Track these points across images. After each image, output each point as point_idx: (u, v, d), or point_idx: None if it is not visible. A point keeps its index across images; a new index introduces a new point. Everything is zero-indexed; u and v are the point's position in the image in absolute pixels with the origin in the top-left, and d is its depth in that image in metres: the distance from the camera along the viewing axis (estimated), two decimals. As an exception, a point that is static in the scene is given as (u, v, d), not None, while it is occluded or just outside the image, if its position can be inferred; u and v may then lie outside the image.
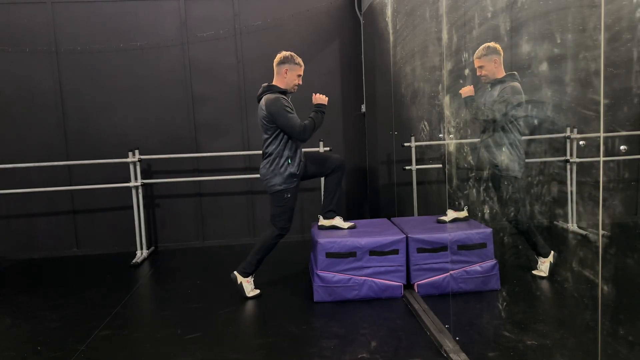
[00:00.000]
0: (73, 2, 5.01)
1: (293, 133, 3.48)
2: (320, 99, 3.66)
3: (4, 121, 5.05)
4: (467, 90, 3.46)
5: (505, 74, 3.36)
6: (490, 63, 3.35)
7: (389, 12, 4.51)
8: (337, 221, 3.79)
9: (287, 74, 3.58)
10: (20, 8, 4.96)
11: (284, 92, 3.59)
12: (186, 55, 5.16)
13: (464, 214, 3.80)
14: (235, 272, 3.66)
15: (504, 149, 3.37)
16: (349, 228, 3.78)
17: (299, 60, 3.61)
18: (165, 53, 5.14)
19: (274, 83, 3.61)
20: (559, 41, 2.66)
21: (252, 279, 3.69)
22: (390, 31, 4.50)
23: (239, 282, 3.64)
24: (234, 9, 5.16)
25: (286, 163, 3.55)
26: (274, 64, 3.60)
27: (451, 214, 3.80)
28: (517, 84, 3.27)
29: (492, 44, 3.33)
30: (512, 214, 3.46)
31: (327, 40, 5.30)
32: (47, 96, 5.07)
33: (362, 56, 5.28)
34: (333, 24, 5.30)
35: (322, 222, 3.80)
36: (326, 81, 5.32)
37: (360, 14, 5.25)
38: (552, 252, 3.45)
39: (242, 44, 5.19)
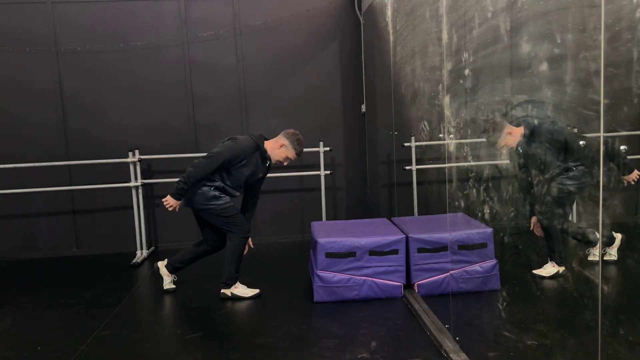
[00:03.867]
0: (73, 2, 5.01)
1: (208, 154, 3.46)
2: (174, 202, 3.51)
3: (4, 121, 5.05)
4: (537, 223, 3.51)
5: (521, 129, 3.32)
6: (508, 137, 3.33)
7: (389, 12, 4.50)
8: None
9: (280, 149, 3.56)
10: (20, 8, 4.96)
11: (263, 153, 3.54)
12: (186, 56, 5.15)
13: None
14: (221, 291, 3.65)
15: (569, 173, 3.33)
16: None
17: (300, 149, 3.58)
18: (165, 53, 5.14)
19: (267, 141, 3.59)
20: (559, 41, 2.66)
21: (238, 282, 3.68)
22: (390, 31, 4.50)
23: (230, 295, 3.64)
24: (234, 9, 5.16)
25: (210, 189, 3.49)
26: (283, 131, 3.59)
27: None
28: (540, 120, 3.24)
29: (493, 121, 3.31)
30: (549, 219, 3.44)
31: (327, 40, 5.30)
32: (47, 96, 5.07)
33: (362, 56, 5.28)
34: (333, 24, 5.29)
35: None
36: (326, 81, 5.31)
37: (360, 14, 5.25)
38: (564, 267, 3.44)
39: (242, 44, 5.19)
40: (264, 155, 3.57)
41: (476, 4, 3.31)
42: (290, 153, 3.57)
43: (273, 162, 3.62)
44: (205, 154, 3.51)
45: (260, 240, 5.35)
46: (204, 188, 3.50)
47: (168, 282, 3.86)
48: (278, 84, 5.22)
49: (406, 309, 3.33)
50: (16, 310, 3.63)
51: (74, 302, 3.74)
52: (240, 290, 3.66)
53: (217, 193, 3.52)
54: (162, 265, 3.86)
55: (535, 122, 3.27)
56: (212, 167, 3.43)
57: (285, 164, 3.64)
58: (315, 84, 5.28)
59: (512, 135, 3.34)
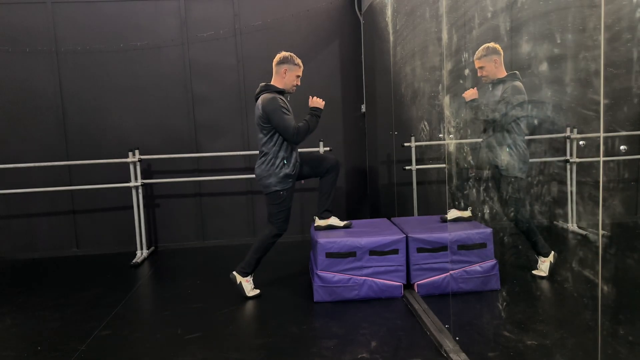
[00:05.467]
0: (73, 2, 5.01)
1: (286, 134, 3.49)
2: (316, 102, 3.65)
3: (4, 121, 5.05)
4: (470, 94, 3.44)
5: (506, 73, 3.35)
6: (491, 63, 3.34)
7: (389, 12, 4.51)
8: (333, 220, 3.79)
9: (286, 74, 3.59)
10: (20, 8, 4.96)
11: (281, 92, 3.59)
12: (186, 55, 5.16)
13: (467, 213, 3.78)
14: (234, 272, 3.66)
15: (506, 149, 3.35)
16: (344, 227, 3.79)
17: (298, 61, 3.62)
18: (165, 53, 5.14)
19: (272, 83, 3.62)
20: (559, 41, 2.66)
21: (251, 278, 3.69)
22: (390, 31, 4.50)
23: (238, 282, 3.64)
24: (234, 9, 5.16)
25: (282, 163, 3.55)
26: (274, 64, 3.60)
27: (454, 213, 3.79)
28: (518, 84, 3.25)
29: (491, 44, 3.31)
30: (513, 213, 3.45)
31: (327, 40, 5.30)
32: (47, 96, 5.07)
33: (362, 56, 5.28)
34: (333, 24, 5.29)
35: (318, 222, 3.79)
36: (326, 81, 5.31)
37: (360, 14, 5.25)
38: (553, 252, 3.44)
39: (242, 44, 5.19)
40: (284, 93, 3.62)
41: (476, 4, 3.31)
42: (296, 70, 3.61)
43: (292, 91, 3.66)
44: (292, 138, 3.47)
45: (260, 240, 5.36)
46: (277, 162, 3.54)
47: (341, 222, 3.86)
48: (278, 84, 5.22)
49: (406, 309, 3.33)
50: (16, 310, 3.63)
51: (74, 302, 3.74)
52: (248, 286, 3.66)
53: (288, 170, 3.56)
54: (319, 220, 3.81)
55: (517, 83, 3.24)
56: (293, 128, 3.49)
57: (299, 83, 3.67)
58: (315, 84, 5.28)
59: (496, 67, 3.33)
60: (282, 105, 3.48)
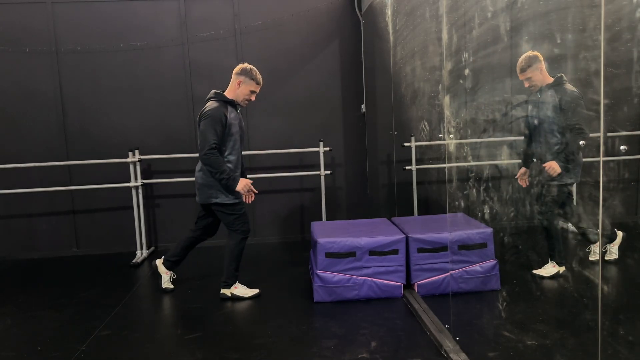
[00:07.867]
0: (73, 2, 5.01)
1: (202, 144, 3.34)
2: (243, 183, 3.43)
3: (4, 121, 5.05)
4: (555, 168, 3.25)
5: (551, 78, 3.24)
6: (537, 72, 3.22)
7: (389, 12, 4.51)
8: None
9: (240, 87, 3.46)
10: (20, 8, 4.96)
11: (231, 102, 3.47)
12: (186, 56, 5.15)
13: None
14: (221, 291, 3.65)
15: (563, 156, 3.25)
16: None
17: (258, 77, 3.47)
18: (165, 53, 5.14)
19: (225, 91, 3.51)
20: (559, 41, 2.66)
21: (238, 283, 3.69)
22: (390, 31, 4.50)
23: (230, 295, 3.64)
24: (234, 9, 5.16)
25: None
26: (233, 72, 3.50)
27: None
28: (571, 86, 3.14)
29: (530, 53, 3.20)
30: (549, 218, 3.40)
31: (327, 40, 5.30)
32: (47, 96, 5.07)
33: (362, 56, 5.28)
34: (333, 24, 5.29)
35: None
36: (326, 81, 5.31)
37: (360, 14, 5.25)
38: (565, 267, 3.44)
39: (242, 44, 5.19)
40: (234, 105, 3.50)
41: (476, 4, 3.31)
42: (251, 85, 3.46)
43: (242, 104, 3.53)
44: (202, 152, 3.35)
45: (260, 240, 5.36)
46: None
47: (166, 280, 3.86)
48: (278, 84, 5.22)
49: (406, 309, 3.33)
50: (16, 310, 3.63)
51: (74, 302, 3.74)
52: (240, 290, 3.66)
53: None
54: (159, 262, 3.85)
55: (567, 86, 3.14)
56: (217, 153, 3.38)
57: (253, 99, 3.54)
58: (315, 84, 5.28)
59: (542, 74, 3.22)
60: (220, 120, 3.34)
